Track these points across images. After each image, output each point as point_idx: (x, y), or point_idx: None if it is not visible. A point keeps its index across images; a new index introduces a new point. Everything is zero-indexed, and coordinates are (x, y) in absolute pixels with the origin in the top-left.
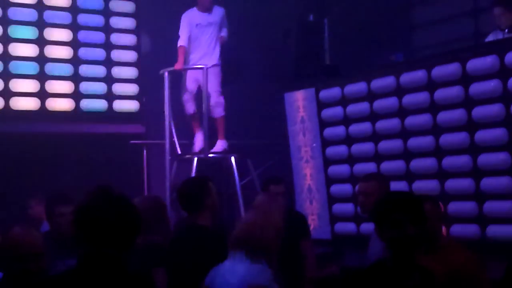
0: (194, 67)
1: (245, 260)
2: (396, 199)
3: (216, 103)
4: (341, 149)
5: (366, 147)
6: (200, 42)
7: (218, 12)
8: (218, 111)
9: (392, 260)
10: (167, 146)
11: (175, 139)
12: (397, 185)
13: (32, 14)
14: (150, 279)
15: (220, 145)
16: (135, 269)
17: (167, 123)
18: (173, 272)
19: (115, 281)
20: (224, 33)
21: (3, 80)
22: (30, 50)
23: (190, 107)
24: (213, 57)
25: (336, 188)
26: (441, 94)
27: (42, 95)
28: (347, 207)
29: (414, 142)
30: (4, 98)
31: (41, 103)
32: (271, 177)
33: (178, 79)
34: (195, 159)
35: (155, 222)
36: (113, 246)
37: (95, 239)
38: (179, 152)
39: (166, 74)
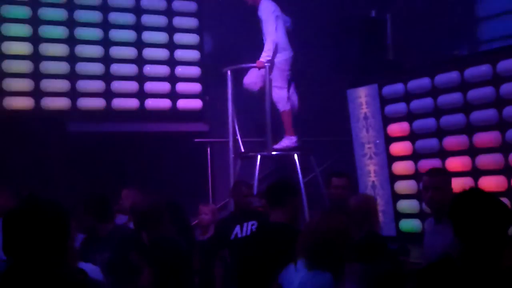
0: (253, 66)
1: (303, 268)
2: (481, 197)
3: (277, 99)
4: (405, 145)
5: (430, 143)
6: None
7: (261, 7)
8: (280, 106)
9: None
10: (231, 144)
11: (238, 137)
12: (462, 181)
13: (97, 16)
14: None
15: (284, 141)
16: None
17: (230, 121)
18: (249, 262)
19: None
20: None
21: (70, 81)
22: (96, 51)
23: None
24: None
25: (400, 185)
26: (506, 88)
27: (108, 95)
28: (412, 204)
29: (479, 137)
30: (71, 98)
31: (107, 103)
32: (334, 171)
33: (241, 77)
34: (259, 156)
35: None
36: (43, 252)
37: (23, 247)
38: (243, 149)
39: (228, 72)
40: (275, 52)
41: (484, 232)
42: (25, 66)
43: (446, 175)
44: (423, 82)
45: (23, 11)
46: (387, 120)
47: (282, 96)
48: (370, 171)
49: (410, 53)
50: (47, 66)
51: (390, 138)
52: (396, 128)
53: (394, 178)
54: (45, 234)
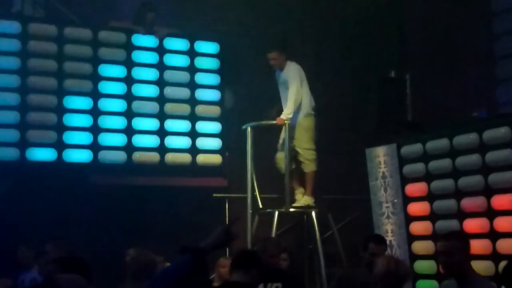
0: (271, 123)
1: None
2: None
3: (304, 159)
4: (423, 206)
5: (448, 204)
6: (281, 99)
7: (287, 69)
8: (306, 167)
9: None
10: (249, 200)
11: (257, 193)
12: (479, 244)
13: (120, 71)
14: None
15: (305, 200)
16: None
17: (249, 177)
18: None
19: None
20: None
21: (93, 134)
22: (119, 105)
23: None
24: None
25: (418, 245)
26: None
27: (129, 148)
28: (429, 264)
29: (498, 199)
30: (93, 151)
31: (128, 156)
32: (373, 235)
33: (260, 134)
34: (276, 212)
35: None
36: None
37: None
38: (261, 206)
39: (248, 129)
40: (298, 112)
41: None
42: (49, 118)
43: (459, 239)
44: (442, 142)
45: (54, 64)
46: (405, 180)
47: (310, 158)
48: (388, 231)
49: (429, 113)
50: (71, 119)
51: (408, 198)
52: (414, 188)
53: (411, 238)
54: None
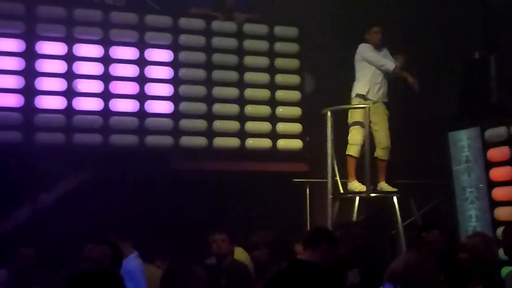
0: (357, 106)
1: None
2: None
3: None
4: (509, 190)
5: None
6: (366, 78)
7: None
8: (386, 155)
9: None
10: (330, 185)
11: (338, 178)
12: None
13: (200, 56)
14: None
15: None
16: None
17: (329, 162)
18: None
19: None
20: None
21: (173, 120)
22: (199, 90)
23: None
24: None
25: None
26: None
27: (210, 133)
28: None
29: None
30: (174, 137)
31: (208, 142)
32: (424, 223)
33: (340, 118)
34: (357, 198)
35: None
36: None
37: None
38: (341, 191)
39: (328, 113)
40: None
41: None
42: (131, 105)
43: None
44: None
45: (135, 52)
46: (489, 164)
47: (389, 145)
48: (472, 216)
49: None
50: (152, 106)
51: (493, 183)
52: (499, 172)
53: (496, 224)
54: None
